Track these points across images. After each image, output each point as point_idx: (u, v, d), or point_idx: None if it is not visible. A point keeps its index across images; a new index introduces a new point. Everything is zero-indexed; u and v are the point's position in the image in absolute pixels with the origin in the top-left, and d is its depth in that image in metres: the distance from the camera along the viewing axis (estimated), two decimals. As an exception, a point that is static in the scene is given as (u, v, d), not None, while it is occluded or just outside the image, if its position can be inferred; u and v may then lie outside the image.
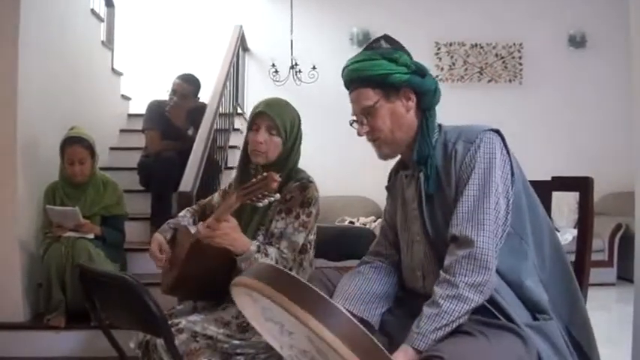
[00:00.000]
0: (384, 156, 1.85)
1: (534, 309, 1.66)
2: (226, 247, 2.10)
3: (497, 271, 1.61)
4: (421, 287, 1.79)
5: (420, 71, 1.77)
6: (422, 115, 1.78)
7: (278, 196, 2.04)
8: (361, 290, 1.81)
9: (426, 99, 1.77)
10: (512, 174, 1.68)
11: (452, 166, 1.69)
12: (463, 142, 1.69)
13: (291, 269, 2.22)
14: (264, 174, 1.97)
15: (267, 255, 2.15)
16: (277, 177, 1.96)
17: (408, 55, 1.78)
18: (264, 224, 2.29)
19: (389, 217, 1.99)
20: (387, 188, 2.00)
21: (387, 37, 1.83)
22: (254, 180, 2.01)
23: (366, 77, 1.75)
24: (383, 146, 1.80)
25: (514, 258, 1.66)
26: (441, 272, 1.61)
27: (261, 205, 2.03)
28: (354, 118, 1.82)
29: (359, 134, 1.81)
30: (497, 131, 1.71)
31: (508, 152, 1.70)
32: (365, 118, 1.78)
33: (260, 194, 1.98)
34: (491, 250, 1.58)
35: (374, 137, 1.80)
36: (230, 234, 2.09)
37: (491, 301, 1.61)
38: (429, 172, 1.72)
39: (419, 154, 1.75)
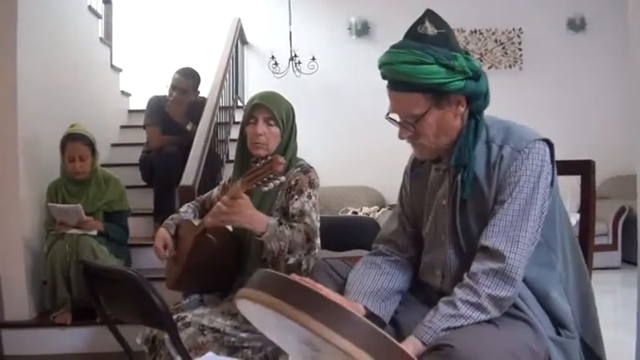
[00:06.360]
0: (422, 157, 1.79)
1: (558, 323, 1.64)
2: (237, 231, 2.07)
3: (524, 281, 1.58)
4: (438, 285, 1.75)
5: (475, 74, 1.63)
6: (468, 119, 1.67)
7: (283, 178, 2.04)
8: (378, 286, 1.76)
9: (478, 103, 1.67)
10: (552, 184, 1.63)
11: (495, 172, 1.61)
12: (511, 149, 1.61)
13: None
14: (269, 157, 1.98)
15: (292, 227, 2.13)
16: (282, 159, 1.96)
17: (460, 52, 1.63)
18: (271, 214, 2.27)
19: (408, 207, 1.90)
20: (412, 176, 1.90)
21: (430, 15, 1.67)
22: (258, 165, 2.01)
23: (418, 84, 1.59)
24: (424, 151, 1.72)
25: (542, 268, 1.63)
26: (465, 277, 1.57)
27: (266, 189, 2.02)
28: (396, 119, 1.69)
29: (400, 137, 1.69)
30: (547, 141, 1.64)
31: (553, 163, 1.64)
32: (411, 124, 1.65)
33: (265, 177, 1.97)
34: (521, 268, 1.55)
35: (416, 141, 1.70)
36: (245, 211, 2.07)
37: (517, 308, 1.58)
38: (467, 176, 1.64)
39: (457, 161, 1.66)
